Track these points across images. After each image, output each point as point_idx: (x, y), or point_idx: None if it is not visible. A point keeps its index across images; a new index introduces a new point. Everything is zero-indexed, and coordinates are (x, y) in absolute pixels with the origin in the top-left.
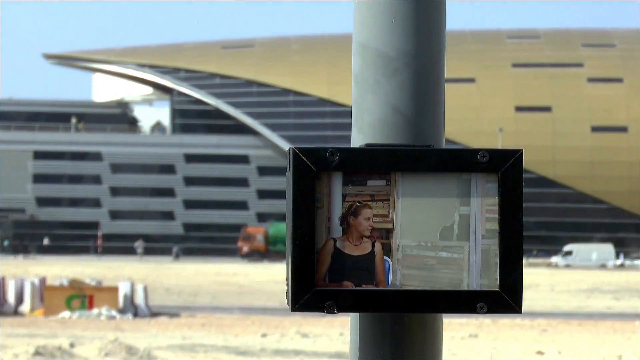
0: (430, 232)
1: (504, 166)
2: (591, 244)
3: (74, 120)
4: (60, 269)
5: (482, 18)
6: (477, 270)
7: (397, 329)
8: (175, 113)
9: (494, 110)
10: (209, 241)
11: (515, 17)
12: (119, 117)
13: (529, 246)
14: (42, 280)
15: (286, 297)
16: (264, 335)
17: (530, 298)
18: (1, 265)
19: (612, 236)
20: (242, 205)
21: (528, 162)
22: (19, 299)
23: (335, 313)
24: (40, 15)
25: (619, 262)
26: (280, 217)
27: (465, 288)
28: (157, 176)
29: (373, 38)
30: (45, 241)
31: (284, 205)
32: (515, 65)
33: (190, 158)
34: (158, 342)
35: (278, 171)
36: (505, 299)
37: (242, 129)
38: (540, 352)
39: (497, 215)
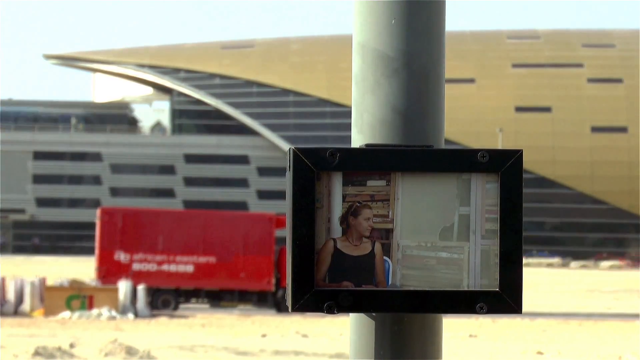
0: (430, 232)
1: (504, 166)
2: None
3: (74, 120)
4: (60, 269)
5: (482, 18)
6: (477, 271)
7: (397, 329)
8: (175, 113)
9: (494, 110)
10: None
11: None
12: (119, 117)
13: (529, 247)
14: (42, 281)
15: (286, 297)
16: (264, 335)
17: (530, 298)
18: (1, 265)
19: (612, 236)
20: (242, 205)
21: (528, 162)
22: (19, 299)
23: (335, 313)
24: (40, 15)
25: None
26: None
27: (465, 288)
28: (157, 176)
29: (373, 38)
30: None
31: (284, 206)
32: (515, 66)
33: (190, 158)
34: (158, 342)
35: (278, 171)
36: (505, 299)
37: (242, 130)
38: (540, 352)
39: (497, 216)
